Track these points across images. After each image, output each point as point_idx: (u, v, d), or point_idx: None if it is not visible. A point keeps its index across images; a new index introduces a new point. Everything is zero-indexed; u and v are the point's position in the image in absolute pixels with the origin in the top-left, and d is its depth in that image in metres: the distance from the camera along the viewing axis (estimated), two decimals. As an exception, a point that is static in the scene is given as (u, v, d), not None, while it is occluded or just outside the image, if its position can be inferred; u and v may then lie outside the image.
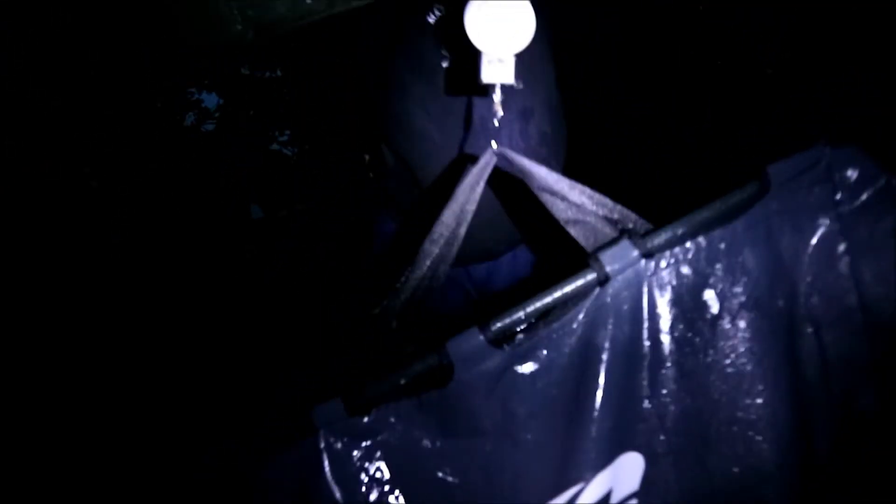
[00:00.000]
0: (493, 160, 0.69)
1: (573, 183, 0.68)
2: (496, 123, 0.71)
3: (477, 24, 0.68)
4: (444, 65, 1.02)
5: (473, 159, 0.72)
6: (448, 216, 0.68)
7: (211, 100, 5.16)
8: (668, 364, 0.66)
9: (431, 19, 1.01)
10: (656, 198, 0.90)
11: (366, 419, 0.67)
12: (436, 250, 0.68)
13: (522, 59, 0.71)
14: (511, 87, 0.69)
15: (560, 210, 0.68)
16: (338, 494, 0.67)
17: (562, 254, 0.78)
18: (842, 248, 0.66)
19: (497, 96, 0.70)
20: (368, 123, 1.23)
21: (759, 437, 0.66)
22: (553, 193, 0.67)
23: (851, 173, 0.66)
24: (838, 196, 0.66)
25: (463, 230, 0.70)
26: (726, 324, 0.66)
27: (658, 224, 0.69)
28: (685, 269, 0.65)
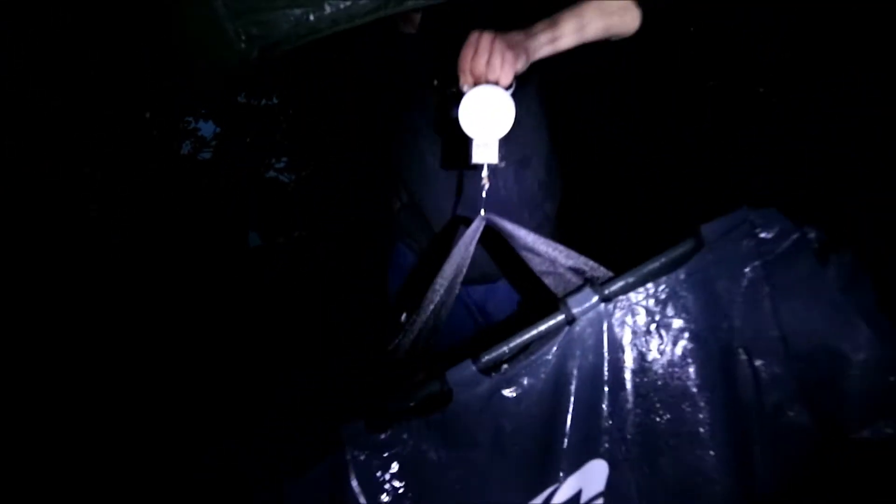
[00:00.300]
0: (483, 224, 0.86)
1: (547, 241, 0.84)
2: (483, 195, 0.87)
3: (467, 117, 0.85)
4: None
5: (468, 221, 0.89)
6: (447, 270, 0.84)
7: (207, 128, 5.31)
8: (626, 387, 0.81)
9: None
10: (623, 244, 1.06)
11: (383, 436, 0.82)
12: (437, 298, 0.84)
13: (525, 113, 0.87)
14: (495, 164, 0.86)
15: (536, 263, 0.84)
16: (362, 499, 0.83)
17: (541, 291, 0.94)
18: (766, 290, 0.81)
19: (485, 172, 0.87)
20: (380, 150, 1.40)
21: (702, 446, 0.81)
22: (530, 250, 0.84)
23: (770, 230, 0.81)
24: (761, 248, 0.81)
25: (460, 279, 0.87)
26: (673, 353, 0.81)
27: (617, 272, 0.85)
28: (637, 310, 0.81)
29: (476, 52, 0.87)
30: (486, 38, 0.88)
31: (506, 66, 0.87)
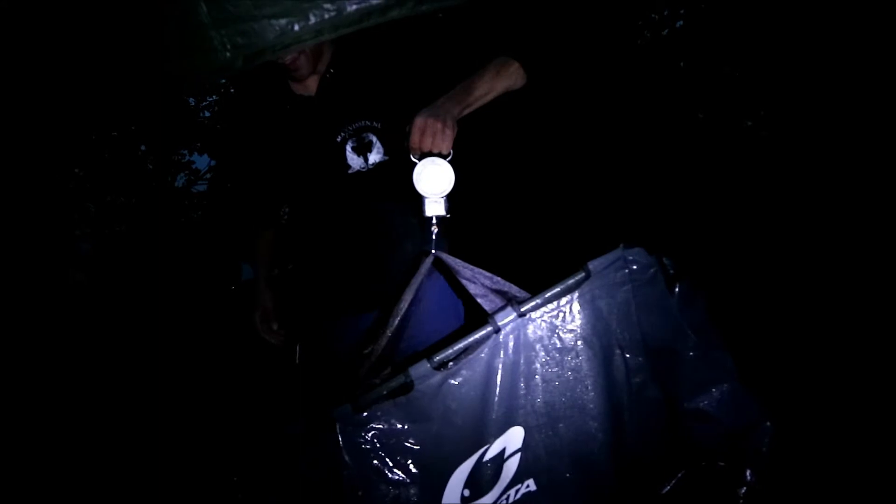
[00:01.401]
0: (431, 260, 1.18)
1: (481, 272, 1.16)
2: (433, 238, 1.18)
3: (420, 181, 1.16)
4: None
5: (425, 254, 1.21)
6: (407, 295, 1.16)
7: (202, 161, 5.27)
8: (536, 375, 1.15)
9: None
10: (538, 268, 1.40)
11: (364, 414, 1.14)
12: (400, 315, 1.16)
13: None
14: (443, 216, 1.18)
15: (472, 288, 1.17)
16: (349, 460, 1.15)
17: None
18: (633, 306, 1.16)
19: (434, 220, 1.18)
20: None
21: (589, 415, 1.16)
22: (468, 280, 1.16)
23: (637, 263, 1.16)
24: (631, 276, 1.16)
25: (412, 306, 1.19)
26: (569, 351, 1.16)
27: (532, 293, 1.18)
28: (544, 322, 1.15)
29: (422, 133, 1.17)
30: (429, 121, 1.17)
31: (445, 141, 1.18)
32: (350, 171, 1.45)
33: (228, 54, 0.99)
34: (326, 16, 0.96)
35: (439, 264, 1.21)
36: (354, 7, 0.97)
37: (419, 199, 1.17)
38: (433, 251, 1.18)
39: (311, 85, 1.45)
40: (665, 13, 4.97)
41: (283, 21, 0.96)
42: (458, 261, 1.17)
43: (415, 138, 1.17)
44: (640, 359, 1.17)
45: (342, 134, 1.41)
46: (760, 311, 2.56)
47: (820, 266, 2.85)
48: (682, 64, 4.78)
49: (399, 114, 1.25)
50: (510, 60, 1.34)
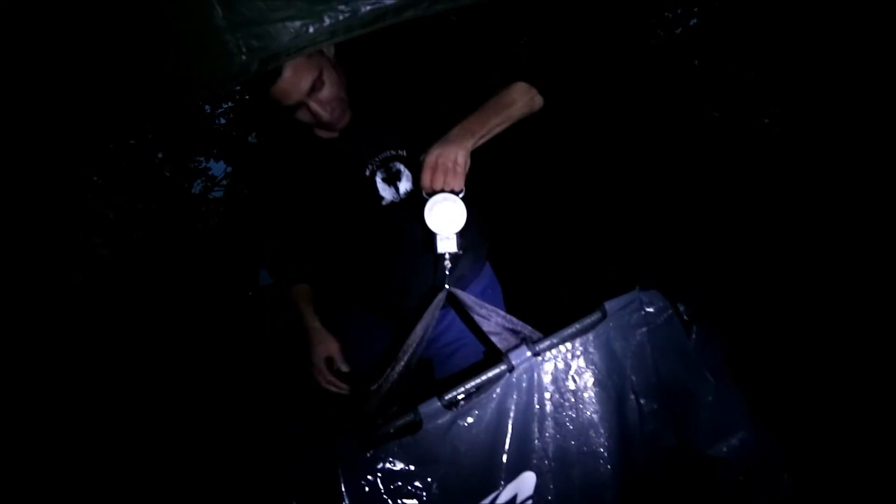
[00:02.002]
0: (445, 294, 1.15)
1: (495, 310, 1.14)
2: (447, 273, 1.16)
3: (431, 219, 1.14)
4: None
5: (437, 289, 1.18)
6: (418, 330, 1.13)
7: (218, 168, 5.29)
8: (549, 418, 1.11)
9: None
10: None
11: (369, 454, 1.09)
12: (406, 356, 1.13)
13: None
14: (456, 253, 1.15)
15: (486, 325, 1.14)
16: (346, 500, 1.10)
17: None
18: (648, 350, 1.14)
19: (447, 257, 1.16)
20: None
21: (601, 460, 1.12)
22: (482, 317, 1.14)
23: (653, 306, 1.14)
24: (647, 319, 1.14)
25: (424, 342, 1.16)
26: (583, 394, 1.12)
27: (546, 333, 1.15)
28: (559, 362, 1.12)
29: (434, 171, 1.16)
30: (441, 159, 1.16)
31: (457, 179, 1.16)
32: (384, 203, 1.43)
33: (244, 57, 0.99)
34: (341, 17, 0.97)
35: (453, 300, 1.18)
36: (369, 8, 0.97)
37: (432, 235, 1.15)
38: (446, 286, 1.15)
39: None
40: (678, 11, 5.05)
41: (297, 23, 0.97)
42: (472, 297, 1.15)
43: (426, 177, 1.15)
44: (655, 405, 1.14)
45: (370, 167, 1.40)
46: (779, 320, 2.51)
47: (838, 272, 2.84)
48: (696, 62, 4.84)
49: (422, 138, 1.24)
50: (528, 87, 1.32)
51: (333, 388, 1.55)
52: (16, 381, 2.93)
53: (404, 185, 1.43)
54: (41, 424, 2.75)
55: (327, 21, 0.96)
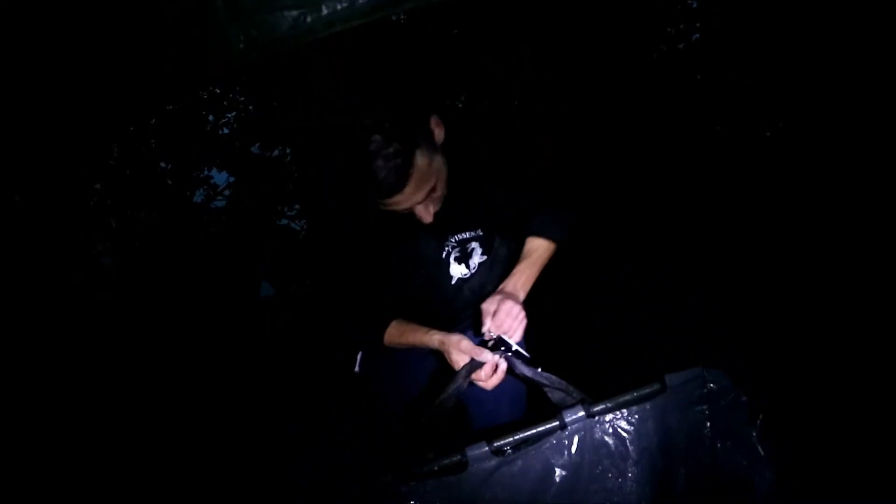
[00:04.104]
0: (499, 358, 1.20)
1: (548, 375, 1.16)
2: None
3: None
4: None
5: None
6: (464, 370, 1.17)
7: (221, 177, 5.42)
8: (596, 482, 1.09)
9: None
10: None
11: (405, 488, 1.09)
12: (454, 388, 1.15)
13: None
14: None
15: (539, 379, 1.15)
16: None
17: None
18: (707, 428, 1.11)
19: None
20: None
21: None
22: (533, 376, 1.16)
23: (717, 385, 1.12)
24: (709, 397, 1.12)
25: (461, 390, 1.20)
26: (632, 462, 1.10)
27: (600, 397, 1.15)
28: (612, 428, 1.10)
29: (506, 315, 1.26)
30: (514, 309, 1.27)
31: (519, 330, 1.26)
32: (453, 283, 1.49)
33: (242, 46, 0.99)
34: (339, 7, 0.97)
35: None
36: None
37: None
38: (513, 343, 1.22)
39: None
40: (681, 27, 5.05)
41: (295, 13, 0.97)
42: (529, 367, 1.19)
43: (500, 321, 1.24)
44: (705, 483, 1.10)
45: (447, 248, 1.44)
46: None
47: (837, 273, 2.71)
48: (699, 77, 4.82)
49: (499, 215, 1.31)
50: (552, 244, 1.44)
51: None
52: (16, 381, 3.00)
53: (475, 260, 1.48)
54: (41, 424, 2.80)
55: (325, 11, 0.97)
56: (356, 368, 1.58)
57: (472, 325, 1.51)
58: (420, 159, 1.15)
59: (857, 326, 2.21)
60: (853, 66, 3.66)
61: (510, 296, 1.30)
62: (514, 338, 1.25)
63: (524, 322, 1.26)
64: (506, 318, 1.25)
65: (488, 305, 1.27)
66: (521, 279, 1.36)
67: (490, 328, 1.25)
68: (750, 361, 1.15)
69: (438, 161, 1.25)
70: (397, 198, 1.18)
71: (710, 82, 4.86)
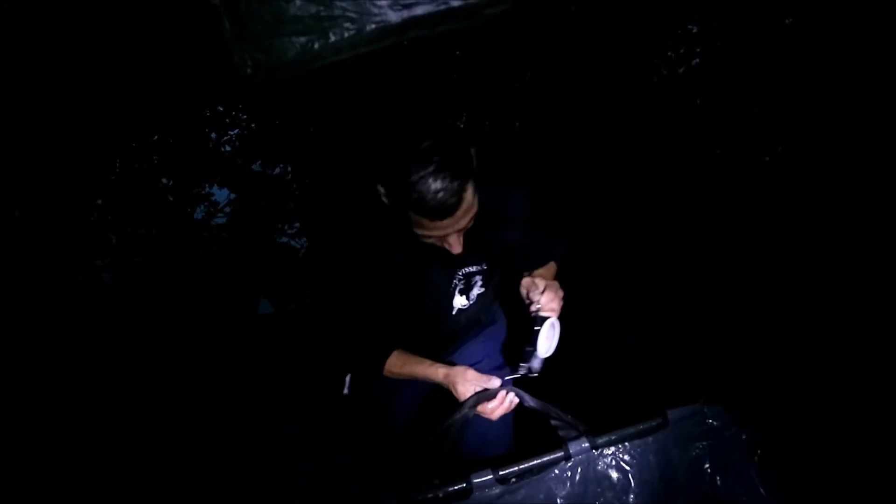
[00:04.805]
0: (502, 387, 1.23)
1: (556, 410, 1.18)
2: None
3: (542, 338, 1.28)
4: None
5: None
6: (470, 401, 1.18)
7: (221, 194, 5.40)
8: (597, 514, 1.11)
9: None
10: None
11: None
12: (459, 417, 1.17)
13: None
14: None
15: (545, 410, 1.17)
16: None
17: None
18: (707, 463, 1.14)
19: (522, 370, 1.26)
20: None
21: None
22: (541, 409, 1.18)
23: (717, 422, 1.14)
24: (709, 433, 1.14)
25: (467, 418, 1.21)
26: (634, 494, 1.12)
27: (603, 428, 1.17)
28: (614, 460, 1.13)
29: (555, 296, 1.31)
30: (559, 291, 1.33)
31: (558, 310, 1.31)
32: (453, 313, 1.51)
33: (249, 70, 1.00)
34: (346, 34, 0.97)
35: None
36: (373, 26, 0.98)
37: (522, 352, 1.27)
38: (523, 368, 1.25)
39: None
40: (681, 51, 5.13)
41: (303, 39, 0.97)
42: (525, 394, 1.21)
43: (549, 298, 1.29)
44: (705, 520, 1.13)
45: (455, 281, 1.46)
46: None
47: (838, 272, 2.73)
48: (698, 101, 4.91)
49: (502, 252, 1.40)
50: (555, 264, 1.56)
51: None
52: (15, 382, 2.99)
53: (475, 292, 1.51)
54: (41, 424, 2.79)
55: (332, 38, 0.97)
56: (345, 391, 1.59)
57: (464, 352, 1.57)
58: (470, 186, 1.17)
59: (857, 326, 2.24)
60: (852, 90, 3.75)
61: (553, 281, 1.37)
62: (556, 314, 1.31)
63: (561, 305, 1.33)
64: (554, 297, 1.31)
65: (538, 283, 1.33)
66: (548, 275, 1.46)
67: (541, 301, 1.29)
68: (749, 361, 1.16)
69: (471, 185, 1.22)
70: (447, 220, 1.16)
71: (709, 82, 4.95)
